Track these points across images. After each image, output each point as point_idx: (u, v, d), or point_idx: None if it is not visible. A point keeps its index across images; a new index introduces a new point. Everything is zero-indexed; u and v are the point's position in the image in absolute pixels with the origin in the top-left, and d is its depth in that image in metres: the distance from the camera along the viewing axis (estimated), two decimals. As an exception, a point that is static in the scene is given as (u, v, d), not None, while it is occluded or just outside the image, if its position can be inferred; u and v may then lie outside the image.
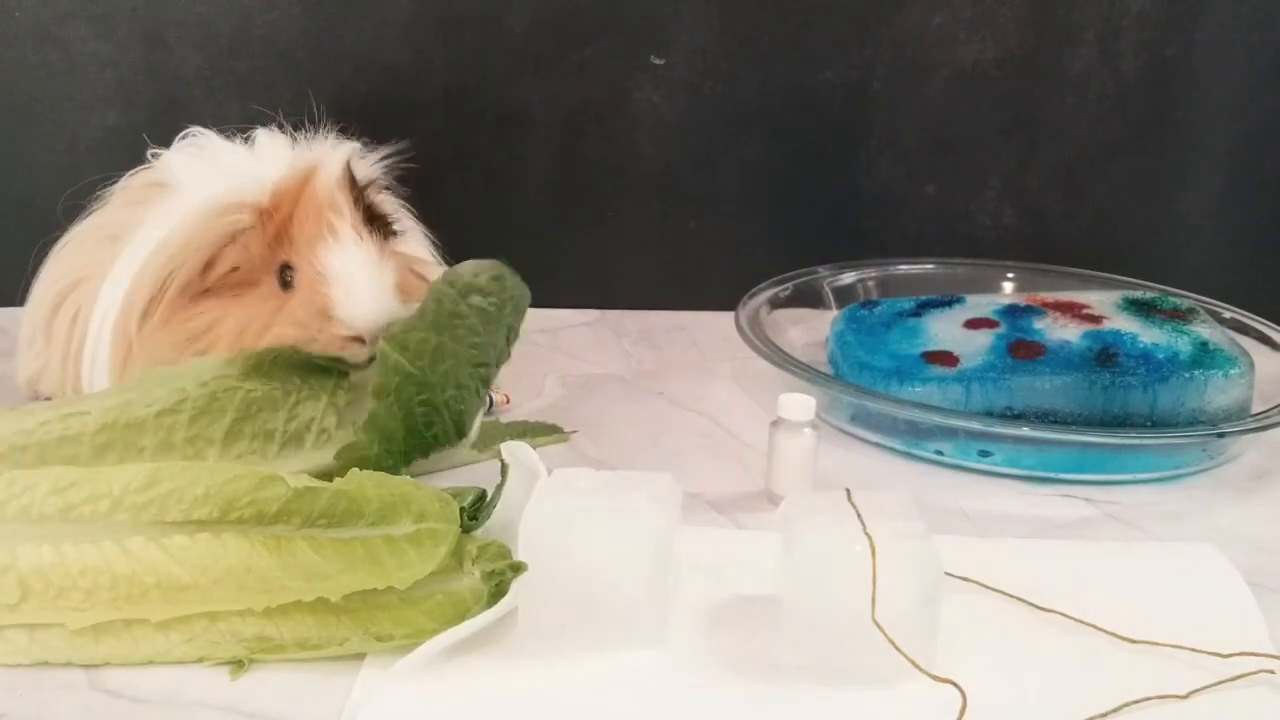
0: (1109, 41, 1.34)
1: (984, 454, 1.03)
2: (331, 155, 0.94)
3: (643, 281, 1.37)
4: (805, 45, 1.32)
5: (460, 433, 0.91)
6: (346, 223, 0.91)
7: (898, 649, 0.73)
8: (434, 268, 1.03)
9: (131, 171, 1.03)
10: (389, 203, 1.03)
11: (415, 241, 1.05)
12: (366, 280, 0.90)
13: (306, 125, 1.00)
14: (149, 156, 1.02)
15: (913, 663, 0.73)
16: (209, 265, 0.92)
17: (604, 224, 1.36)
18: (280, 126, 1.01)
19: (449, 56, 1.30)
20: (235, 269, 0.93)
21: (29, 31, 1.26)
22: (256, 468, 0.81)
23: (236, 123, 1.26)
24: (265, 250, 0.92)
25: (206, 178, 0.96)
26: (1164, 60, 1.34)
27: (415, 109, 1.30)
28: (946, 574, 0.76)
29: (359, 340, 0.90)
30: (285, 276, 0.92)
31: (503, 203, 1.34)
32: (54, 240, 1.04)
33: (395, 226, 0.99)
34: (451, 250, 1.05)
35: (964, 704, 0.72)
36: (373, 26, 1.29)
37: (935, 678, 0.73)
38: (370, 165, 1.01)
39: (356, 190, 0.94)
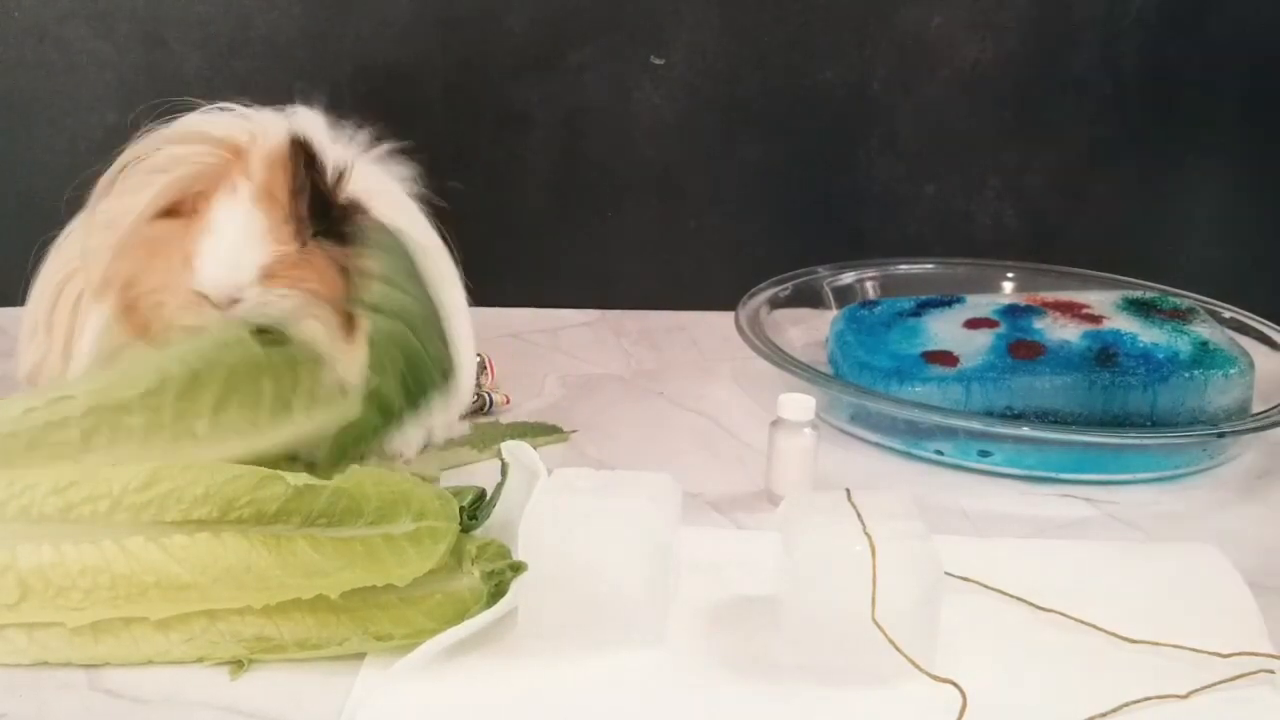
0: (1109, 41, 1.34)
1: (984, 454, 1.03)
2: (282, 123, 0.93)
3: (643, 281, 1.37)
4: (805, 45, 1.33)
5: (448, 376, 0.92)
6: (247, 186, 0.90)
7: (898, 649, 0.73)
8: None
9: (130, 158, 1.02)
10: (405, 213, 1.00)
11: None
12: (230, 243, 0.89)
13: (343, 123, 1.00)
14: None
15: (913, 663, 0.73)
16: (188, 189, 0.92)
17: (604, 224, 1.36)
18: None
19: (449, 57, 1.30)
20: (200, 193, 0.92)
21: (28, 31, 1.26)
22: (249, 437, 0.81)
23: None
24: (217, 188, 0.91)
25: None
26: (1164, 60, 1.34)
27: (415, 109, 1.30)
28: (946, 574, 0.76)
29: (206, 301, 0.89)
30: None
31: (503, 203, 1.34)
32: (49, 239, 1.03)
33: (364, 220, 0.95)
34: (451, 251, 1.05)
35: (964, 704, 0.72)
36: (373, 26, 1.29)
37: (935, 678, 0.73)
38: (378, 169, 1.00)
39: (305, 171, 0.91)
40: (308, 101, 1.02)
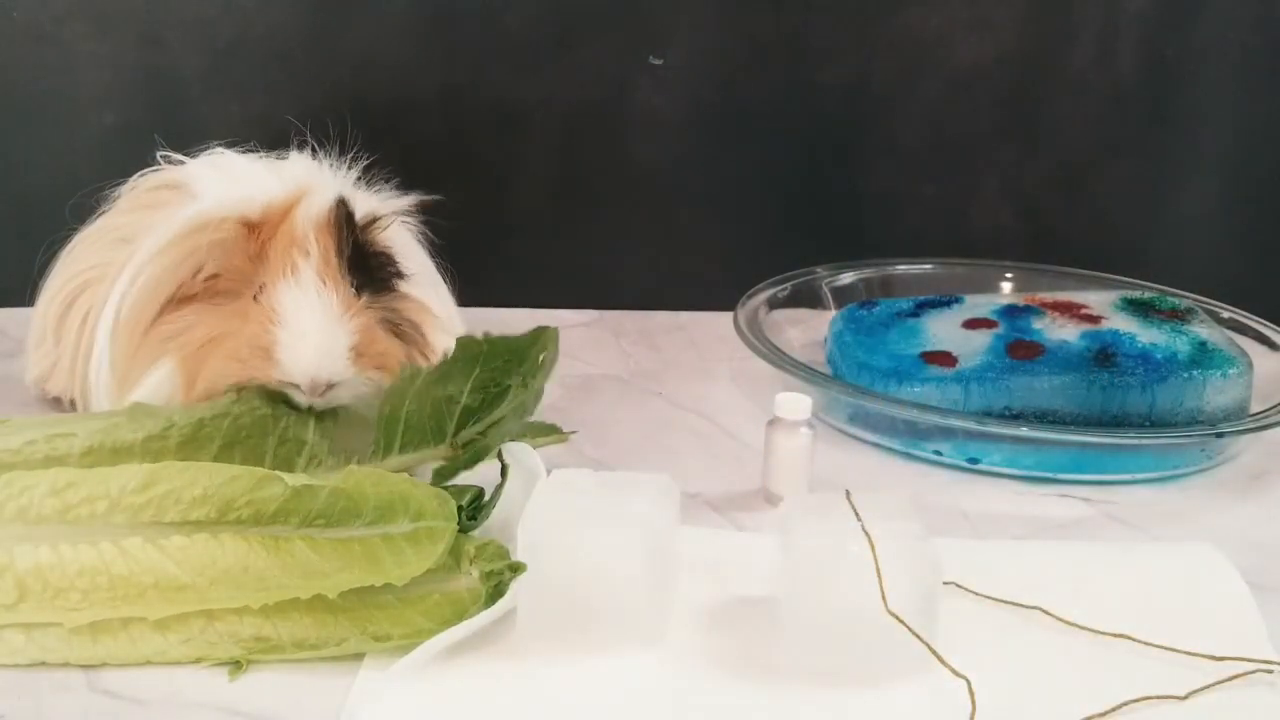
0: (1108, 41, 1.34)
1: (972, 460, 1.03)
2: (321, 189, 0.90)
3: (642, 281, 1.37)
4: (805, 45, 1.32)
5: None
6: (311, 266, 0.88)
7: (916, 636, 0.73)
8: (434, 319, 0.97)
9: (141, 172, 1.02)
10: (402, 239, 0.99)
11: (426, 285, 1.00)
12: (316, 330, 0.87)
13: (332, 141, 0.99)
14: (159, 158, 1.01)
15: (933, 652, 0.74)
16: (197, 272, 0.90)
17: (604, 224, 1.36)
18: (308, 144, 0.99)
19: (448, 56, 1.30)
20: (217, 276, 0.90)
21: (27, 31, 1.26)
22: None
23: (235, 123, 1.27)
24: (247, 264, 0.89)
25: (223, 188, 0.93)
26: (1163, 60, 1.34)
27: (414, 109, 1.30)
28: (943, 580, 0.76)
29: (296, 388, 0.87)
30: (258, 297, 0.89)
31: (502, 203, 1.34)
32: (56, 240, 1.04)
33: (400, 268, 0.95)
34: (450, 251, 1.05)
35: (973, 705, 0.72)
36: (371, 26, 1.29)
37: (954, 670, 0.74)
38: (377, 199, 0.99)
39: (347, 230, 0.90)
40: (296, 138, 1.01)
